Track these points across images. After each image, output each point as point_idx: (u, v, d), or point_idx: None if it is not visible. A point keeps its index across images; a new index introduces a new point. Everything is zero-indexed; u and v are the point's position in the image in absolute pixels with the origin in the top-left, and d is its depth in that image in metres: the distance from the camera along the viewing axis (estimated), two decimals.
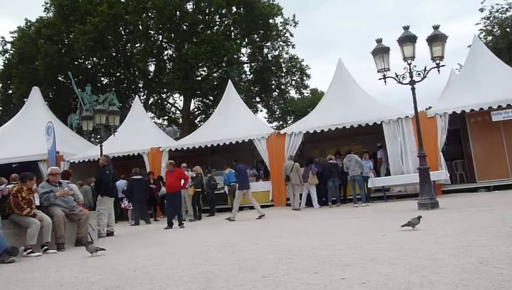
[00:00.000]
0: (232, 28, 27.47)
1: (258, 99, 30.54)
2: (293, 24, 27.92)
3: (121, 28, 27.02)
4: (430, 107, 14.11)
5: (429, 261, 3.36)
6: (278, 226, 7.99)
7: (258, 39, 27.33)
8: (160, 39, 27.64)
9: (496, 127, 11.83)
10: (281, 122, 31.24)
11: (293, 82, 29.90)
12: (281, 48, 28.56)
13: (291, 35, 28.17)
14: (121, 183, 14.00)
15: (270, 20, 26.65)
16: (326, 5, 65.83)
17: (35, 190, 6.95)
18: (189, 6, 26.77)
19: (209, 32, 25.52)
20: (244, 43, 27.93)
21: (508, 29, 22.84)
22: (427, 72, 8.56)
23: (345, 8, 69.33)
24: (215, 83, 26.81)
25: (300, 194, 12.13)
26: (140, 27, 26.41)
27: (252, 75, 29.47)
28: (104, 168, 9.05)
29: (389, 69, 8.90)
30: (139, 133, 16.05)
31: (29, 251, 6.11)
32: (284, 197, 12.74)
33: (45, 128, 15.28)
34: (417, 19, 67.22)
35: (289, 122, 29.25)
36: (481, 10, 24.20)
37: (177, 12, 25.44)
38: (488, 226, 5.08)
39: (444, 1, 64.25)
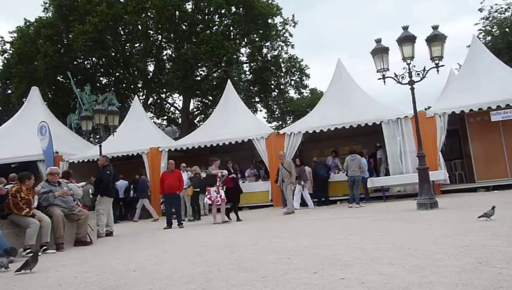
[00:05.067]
0: (231, 28, 27.48)
1: (257, 99, 30.54)
2: (293, 24, 27.97)
3: (120, 28, 27.01)
4: (429, 107, 14.14)
5: (428, 261, 3.36)
6: (278, 226, 7.99)
7: (257, 39, 27.34)
8: (160, 39, 27.62)
9: (495, 127, 11.85)
10: (280, 122, 31.22)
11: (293, 82, 29.94)
12: (280, 48, 28.62)
13: (291, 35, 28.22)
14: (121, 184, 14.05)
15: (269, 20, 26.65)
16: (322, 5, 65.80)
17: (38, 191, 6.93)
18: (189, 6, 26.78)
19: (208, 32, 25.52)
20: (243, 43, 27.94)
21: (507, 29, 22.83)
22: (426, 72, 8.55)
23: (340, 7, 69.33)
24: (215, 83, 26.81)
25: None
26: (140, 27, 26.39)
27: (251, 75, 29.49)
28: (105, 168, 9.04)
29: (388, 69, 8.90)
30: (139, 133, 16.05)
31: (28, 251, 6.10)
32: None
33: (38, 128, 15.26)
34: (416, 19, 67.29)
35: (288, 122, 29.22)
36: (480, 10, 24.24)
37: (177, 12, 25.44)
38: (487, 226, 5.09)
39: (443, 1, 64.34)
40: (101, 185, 8.96)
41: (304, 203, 12.00)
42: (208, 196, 9.61)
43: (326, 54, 63.10)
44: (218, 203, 9.60)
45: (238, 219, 9.88)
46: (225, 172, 9.99)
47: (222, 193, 9.60)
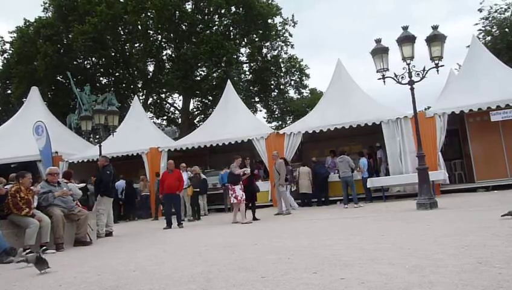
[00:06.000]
0: (231, 28, 27.48)
1: (257, 99, 30.55)
2: (292, 24, 27.98)
3: (120, 28, 27.00)
4: (429, 107, 14.14)
5: (428, 261, 3.36)
6: (278, 226, 7.99)
7: (257, 39, 27.34)
8: (159, 39, 27.62)
9: (494, 127, 11.85)
10: (280, 122, 31.23)
11: (292, 82, 29.96)
12: (280, 48, 28.62)
13: (290, 35, 28.22)
14: (121, 184, 14.06)
15: (269, 20, 26.66)
16: (321, 5, 65.72)
17: (37, 191, 6.93)
18: (189, 6, 26.80)
19: (208, 32, 25.52)
20: (243, 43, 27.94)
21: (506, 30, 22.84)
22: (426, 72, 8.55)
23: (339, 8, 69.22)
24: (214, 83, 26.81)
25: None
26: (140, 27, 26.39)
27: (251, 75, 29.48)
28: (105, 168, 9.04)
29: (388, 69, 8.90)
30: (138, 133, 16.05)
31: (27, 251, 6.09)
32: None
33: (33, 128, 15.18)
34: (415, 20, 67.27)
35: (288, 122, 29.24)
36: (480, 10, 24.23)
37: (176, 12, 25.44)
38: (487, 226, 5.09)
39: (442, 1, 64.35)
40: (101, 185, 8.96)
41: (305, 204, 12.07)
42: (234, 195, 9.27)
43: (325, 54, 63.13)
44: (245, 202, 9.34)
45: (255, 218, 9.47)
46: (248, 170, 9.72)
47: (241, 193, 9.30)
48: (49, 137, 15.01)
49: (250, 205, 9.89)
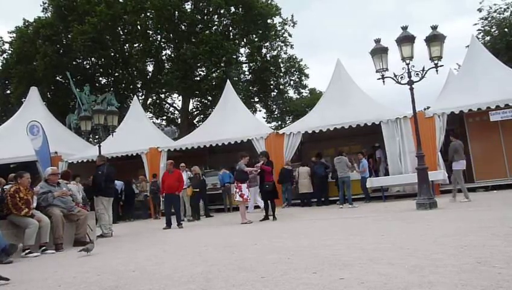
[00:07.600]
0: (230, 28, 27.51)
1: (256, 99, 30.55)
2: (292, 24, 28.00)
3: (119, 28, 27.01)
4: (428, 107, 14.14)
5: (428, 261, 3.36)
6: (278, 226, 7.98)
7: (256, 39, 27.34)
8: (159, 39, 27.62)
9: (494, 127, 11.87)
10: (279, 122, 31.24)
11: (292, 82, 29.98)
12: (279, 48, 28.64)
13: (290, 35, 28.25)
14: (118, 184, 14.00)
15: (269, 20, 26.70)
16: (318, 5, 65.56)
17: (37, 191, 6.93)
18: (188, 6, 26.81)
19: (207, 32, 25.52)
20: (242, 43, 27.95)
21: (506, 30, 22.87)
22: (426, 72, 8.55)
23: (336, 8, 69.09)
24: (214, 83, 26.81)
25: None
26: (139, 27, 26.39)
27: (250, 75, 29.47)
28: (98, 169, 9.04)
29: (387, 69, 8.90)
30: (138, 133, 16.03)
31: (27, 251, 6.10)
32: (281, 198, 12.74)
33: (27, 128, 14.91)
34: (414, 20, 67.28)
35: (288, 122, 29.24)
36: (479, 10, 24.27)
37: (176, 12, 25.45)
38: (487, 226, 5.10)
39: (442, 1, 64.38)
40: (93, 185, 8.96)
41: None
42: (239, 193, 8.91)
43: (323, 54, 63.08)
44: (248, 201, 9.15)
45: (266, 218, 9.15)
46: (258, 169, 9.27)
47: (248, 191, 9.09)
48: (46, 137, 14.88)
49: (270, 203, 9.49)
